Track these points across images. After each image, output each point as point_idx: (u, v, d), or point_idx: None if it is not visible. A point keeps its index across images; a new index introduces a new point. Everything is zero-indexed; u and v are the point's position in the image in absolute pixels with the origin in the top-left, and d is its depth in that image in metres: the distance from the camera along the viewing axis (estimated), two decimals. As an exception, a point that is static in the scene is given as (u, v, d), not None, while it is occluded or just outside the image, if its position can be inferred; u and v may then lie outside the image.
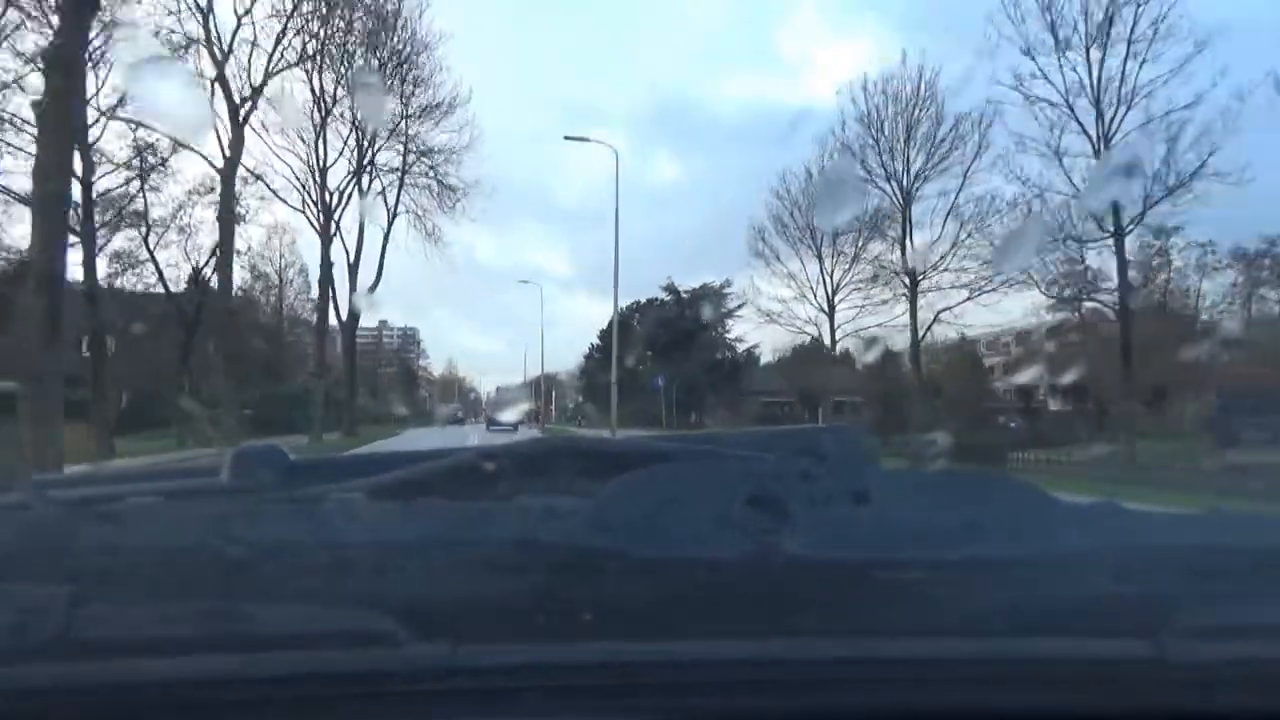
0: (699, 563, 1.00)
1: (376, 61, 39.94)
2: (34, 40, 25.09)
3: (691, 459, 1.43)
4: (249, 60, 33.95)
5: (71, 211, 21.73)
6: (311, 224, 41.29)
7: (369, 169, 42.95)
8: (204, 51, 32.83)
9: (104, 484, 1.55)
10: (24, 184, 23.52)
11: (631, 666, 0.93)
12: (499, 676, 0.91)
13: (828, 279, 36.59)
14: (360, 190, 42.11)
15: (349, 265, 42.38)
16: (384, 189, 44.14)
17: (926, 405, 31.91)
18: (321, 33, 37.20)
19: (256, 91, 34.24)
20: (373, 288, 42.27)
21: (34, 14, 24.76)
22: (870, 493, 1.18)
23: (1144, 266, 32.12)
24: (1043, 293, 30.41)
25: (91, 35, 20.26)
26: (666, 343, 55.22)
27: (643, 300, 61.47)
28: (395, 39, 39.90)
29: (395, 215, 43.61)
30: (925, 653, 0.95)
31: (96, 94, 27.57)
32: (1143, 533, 1.20)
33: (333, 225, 40.98)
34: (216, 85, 32.73)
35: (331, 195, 41.13)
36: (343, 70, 39.85)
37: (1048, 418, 40.00)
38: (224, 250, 32.63)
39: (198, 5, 31.94)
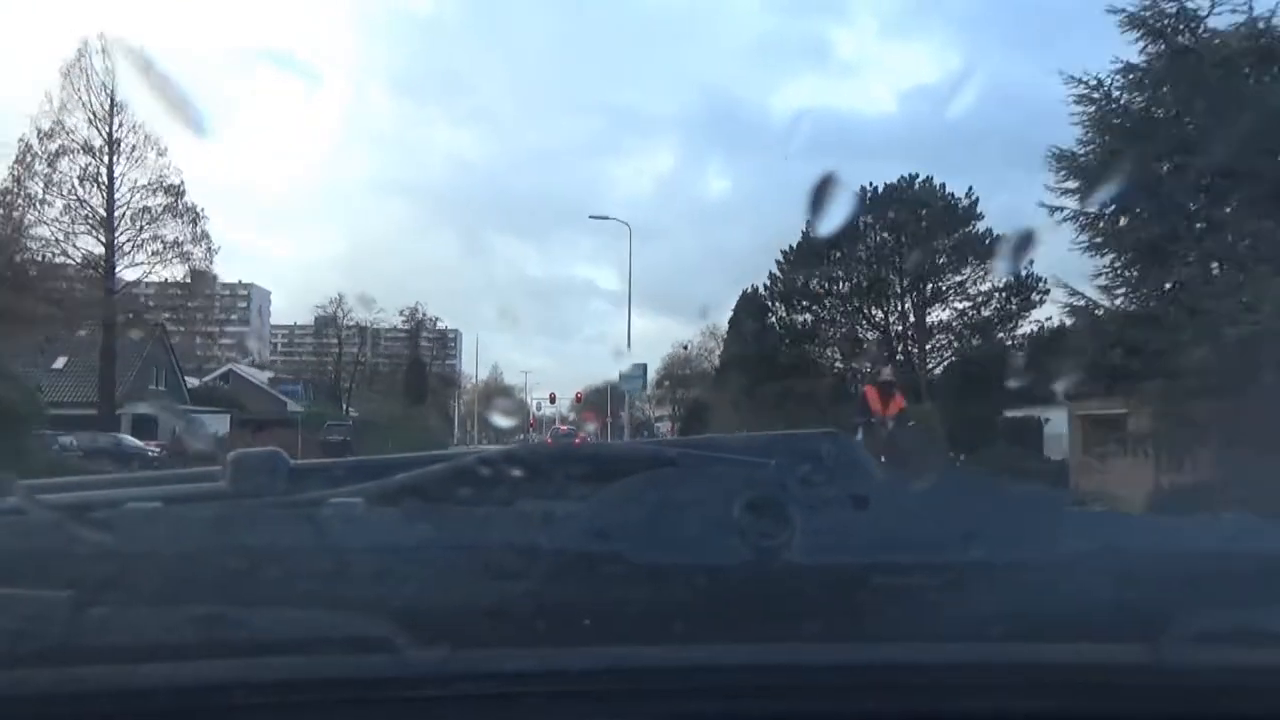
0: (698, 568, 1.00)
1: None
2: None
3: (692, 464, 1.43)
4: None
5: None
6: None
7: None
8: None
9: (102, 489, 1.55)
10: None
11: (631, 672, 0.93)
12: (498, 682, 0.91)
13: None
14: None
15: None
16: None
17: None
18: None
19: None
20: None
21: None
22: (870, 498, 1.18)
23: None
24: None
25: None
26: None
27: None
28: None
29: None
30: (925, 658, 0.95)
31: None
32: (1141, 538, 1.20)
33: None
34: None
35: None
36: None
37: None
38: None
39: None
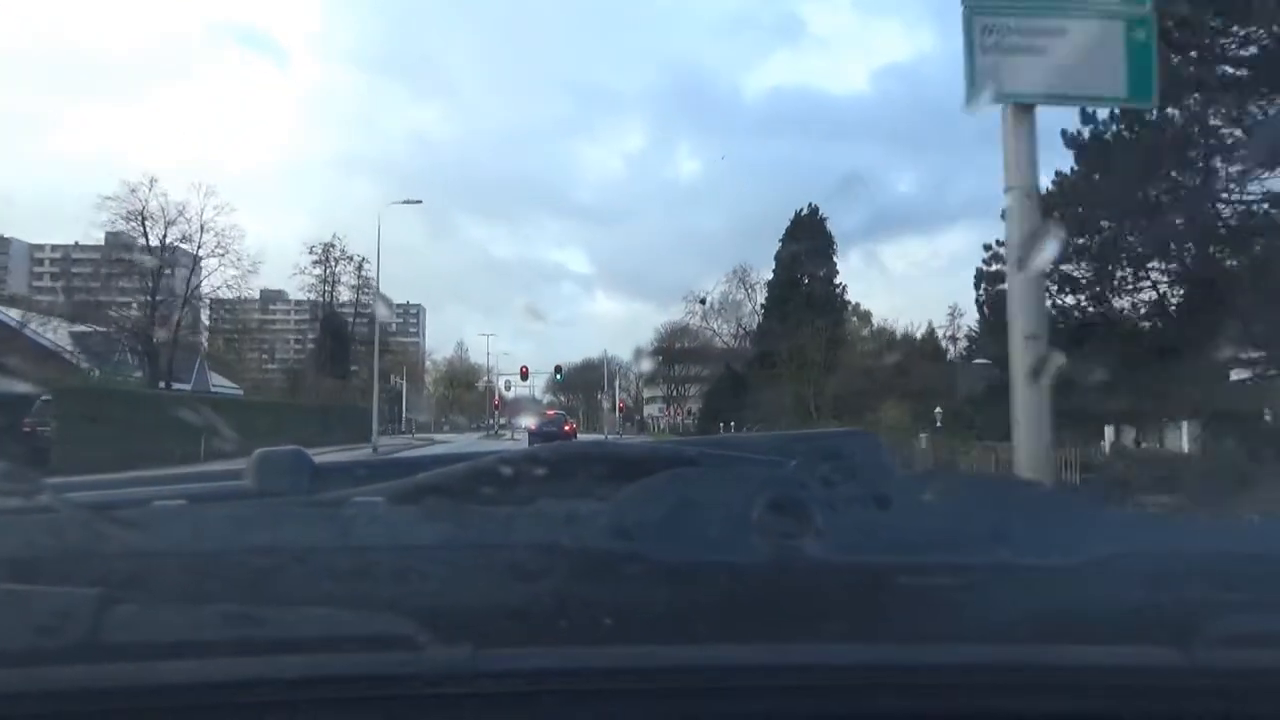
0: (720, 567, 1.00)
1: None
2: None
3: (714, 463, 1.42)
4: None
5: None
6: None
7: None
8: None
9: (128, 488, 1.56)
10: None
11: (652, 671, 0.93)
12: (520, 680, 0.91)
13: None
14: None
15: None
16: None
17: None
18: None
19: None
20: None
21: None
22: (892, 497, 1.18)
23: None
24: None
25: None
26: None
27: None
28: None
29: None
30: (949, 659, 0.94)
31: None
32: (1172, 539, 1.19)
33: None
34: None
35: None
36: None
37: None
38: None
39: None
